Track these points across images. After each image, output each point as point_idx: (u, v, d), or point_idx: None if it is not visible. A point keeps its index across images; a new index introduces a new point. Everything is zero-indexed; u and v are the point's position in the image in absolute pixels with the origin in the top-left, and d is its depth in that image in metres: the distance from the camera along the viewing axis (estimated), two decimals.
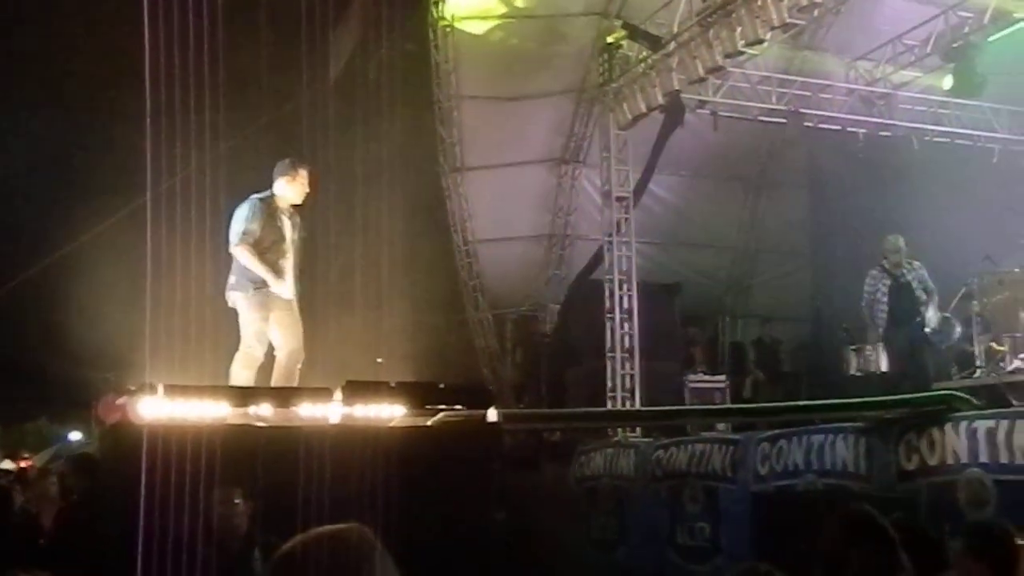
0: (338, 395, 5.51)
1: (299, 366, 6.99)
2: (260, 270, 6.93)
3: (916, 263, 10.28)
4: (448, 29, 13.43)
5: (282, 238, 7.09)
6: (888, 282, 10.22)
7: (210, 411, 5.22)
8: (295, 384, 6.75)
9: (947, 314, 10.30)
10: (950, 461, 7.02)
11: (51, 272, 13.39)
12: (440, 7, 13.26)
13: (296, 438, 5.12)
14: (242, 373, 6.73)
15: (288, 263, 7.07)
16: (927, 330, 10.04)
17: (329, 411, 5.50)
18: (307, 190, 7.30)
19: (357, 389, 5.55)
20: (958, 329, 10.47)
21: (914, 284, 10.16)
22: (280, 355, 6.96)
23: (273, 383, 6.74)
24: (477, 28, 13.64)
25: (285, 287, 7.00)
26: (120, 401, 5.48)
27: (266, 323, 6.97)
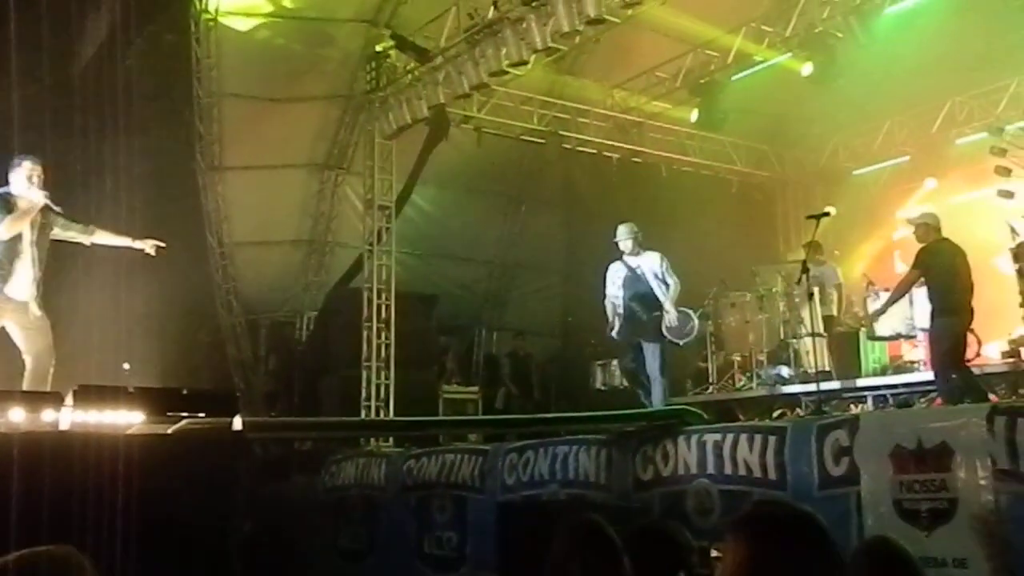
0: (69, 400, 5.18)
1: (49, 372, 6.61)
2: None
3: (652, 253, 9.73)
4: (211, 23, 12.90)
5: (19, 238, 6.71)
6: (623, 273, 9.73)
7: None
8: (47, 388, 6.37)
9: (686, 308, 9.71)
10: (681, 472, 7.46)
11: None
12: None
13: (11, 445, 4.76)
14: None
15: (24, 263, 6.70)
16: (664, 324, 9.38)
17: (59, 417, 5.16)
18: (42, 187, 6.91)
19: (91, 394, 5.24)
20: (694, 323, 9.77)
21: (648, 276, 9.59)
22: (27, 359, 6.58)
23: (25, 389, 6.33)
24: (242, 25, 13.20)
25: (18, 288, 6.63)
26: None
27: None
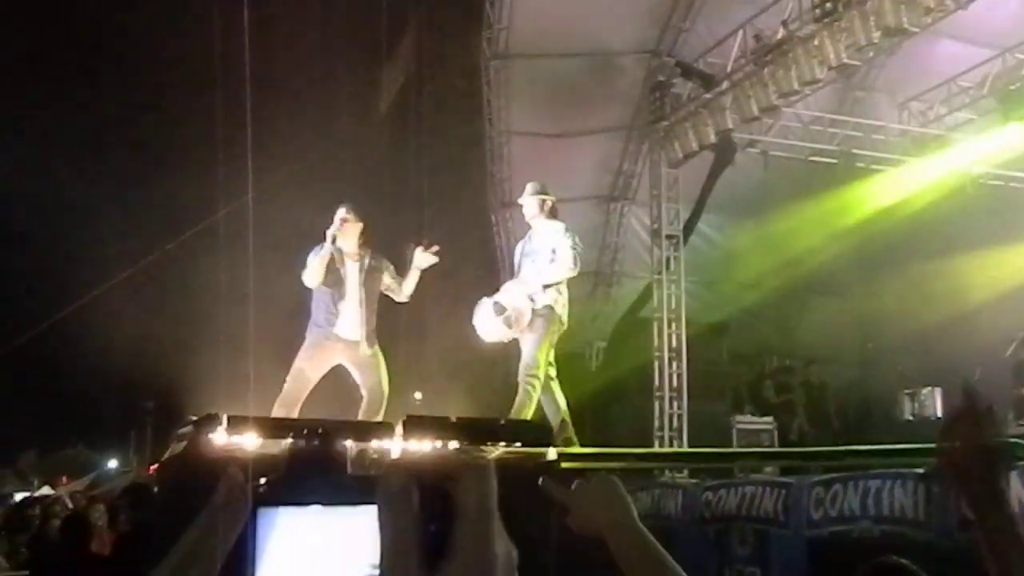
0: (399, 430, 5.47)
1: (382, 405, 7.05)
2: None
3: (556, 223, 7.47)
4: (500, 65, 13.48)
5: (340, 281, 7.16)
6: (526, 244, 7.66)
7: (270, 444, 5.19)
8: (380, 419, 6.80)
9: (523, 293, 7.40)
10: (1016, 510, 6.85)
11: (90, 305, 13.56)
12: (492, 43, 13.33)
13: None
14: (277, 411, 6.76)
15: (350, 304, 7.15)
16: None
17: (391, 446, 5.46)
18: (349, 231, 7.30)
19: (417, 424, 5.51)
20: (485, 308, 7.44)
21: (533, 253, 7.48)
22: (364, 393, 7.07)
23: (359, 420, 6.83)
24: (529, 64, 13.68)
25: (345, 327, 7.09)
26: (184, 431, 5.48)
27: (308, 363, 7.06)
